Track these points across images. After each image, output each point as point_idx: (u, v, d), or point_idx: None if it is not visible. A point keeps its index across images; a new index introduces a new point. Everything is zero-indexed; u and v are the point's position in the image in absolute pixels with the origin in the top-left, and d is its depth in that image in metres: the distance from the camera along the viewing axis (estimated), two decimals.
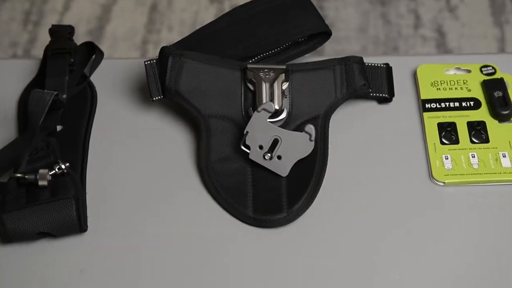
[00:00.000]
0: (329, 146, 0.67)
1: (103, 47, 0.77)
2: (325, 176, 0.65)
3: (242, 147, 0.65)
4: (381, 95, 0.71)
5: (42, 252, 0.61)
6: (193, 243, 0.62)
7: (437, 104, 0.70)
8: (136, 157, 0.68)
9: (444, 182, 0.65)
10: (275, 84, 0.67)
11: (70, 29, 0.74)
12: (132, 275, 0.60)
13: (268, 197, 0.64)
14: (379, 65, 0.72)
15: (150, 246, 0.62)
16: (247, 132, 0.64)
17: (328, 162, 0.66)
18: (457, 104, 0.70)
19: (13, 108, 0.71)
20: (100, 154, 0.68)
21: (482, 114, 0.69)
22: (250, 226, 0.63)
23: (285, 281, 0.60)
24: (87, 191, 0.64)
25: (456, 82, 0.72)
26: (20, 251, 0.61)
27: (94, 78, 0.73)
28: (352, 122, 0.70)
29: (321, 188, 0.64)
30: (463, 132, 0.68)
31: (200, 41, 0.70)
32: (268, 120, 0.64)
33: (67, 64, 0.69)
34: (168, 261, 0.61)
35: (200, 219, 0.64)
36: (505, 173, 0.65)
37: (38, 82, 0.72)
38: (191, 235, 0.63)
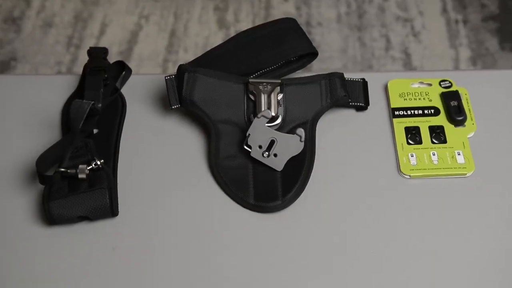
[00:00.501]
0: (316, 146, 0.67)
1: (131, 65, 0.76)
2: (312, 170, 0.65)
3: (245, 147, 0.64)
4: (358, 104, 0.70)
5: (81, 232, 0.61)
6: (205, 225, 0.62)
7: (404, 111, 0.70)
8: (158, 154, 0.68)
9: (410, 175, 0.65)
10: (272, 95, 0.67)
11: (104, 51, 0.74)
12: (155, 252, 0.60)
13: (266, 188, 0.63)
14: (357, 79, 0.72)
15: (169, 228, 0.62)
16: (249, 134, 0.64)
17: (315, 159, 0.66)
18: (420, 111, 0.70)
19: (58, 114, 0.71)
20: (129, 152, 0.68)
21: (441, 120, 0.69)
22: (251, 212, 0.63)
23: (280, 255, 0.60)
24: (118, 182, 0.64)
25: (419, 94, 0.71)
26: (63, 231, 0.61)
27: (124, 90, 0.73)
28: (335, 126, 0.70)
29: (309, 180, 0.64)
30: (425, 134, 0.68)
31: (211, 60, 0.70)
32: (266, 124, 0.64)
33: (102, 79, 0.69)
34: (184, 239, 0.61)
35: (210, 206, 0.63)
36: (460, 168, 0.65)
37: (78, 93, 0.71)
38: (203, 219, 0.62)
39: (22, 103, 0.72)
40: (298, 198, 0.63)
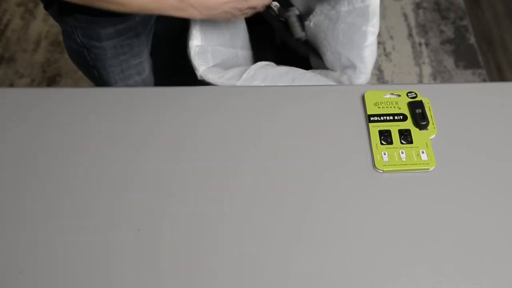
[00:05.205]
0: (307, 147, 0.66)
1: None
2: (305, 165, 0.64)
3: None
4: None
5: (112, 216, 0.60)
6: (205, 216, 0.61)
7: (378, 117, 0.69)
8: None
9: (383, 170, 0.64)
10: None
11: None
12: (172, 231, 0.60)
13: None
14: None
15: (177, 215, 0.61)
16: None
17: (306, 157, 0.65)
18: (391, 117, 0.69)
19: (93, 118, 0.70)
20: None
21: (408, 124, 0.69)
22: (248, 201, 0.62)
23: (281, 235, 0.59)
24: (144, 177, 0.63)
25: (390, 103, 0.71)
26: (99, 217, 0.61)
27: None
28: (323, 131, 0.69)
29: (301, 174, 0.63)
30: (395, 136, 0.67)
31: None
32: None
33: None
34: (193, 218, 0.60)
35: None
36: (424, 164, 0.65)
37: None
38: (204, 212, 0.62)
39: (65, 110, 0.71)
40: (292, 189, 0.62)
